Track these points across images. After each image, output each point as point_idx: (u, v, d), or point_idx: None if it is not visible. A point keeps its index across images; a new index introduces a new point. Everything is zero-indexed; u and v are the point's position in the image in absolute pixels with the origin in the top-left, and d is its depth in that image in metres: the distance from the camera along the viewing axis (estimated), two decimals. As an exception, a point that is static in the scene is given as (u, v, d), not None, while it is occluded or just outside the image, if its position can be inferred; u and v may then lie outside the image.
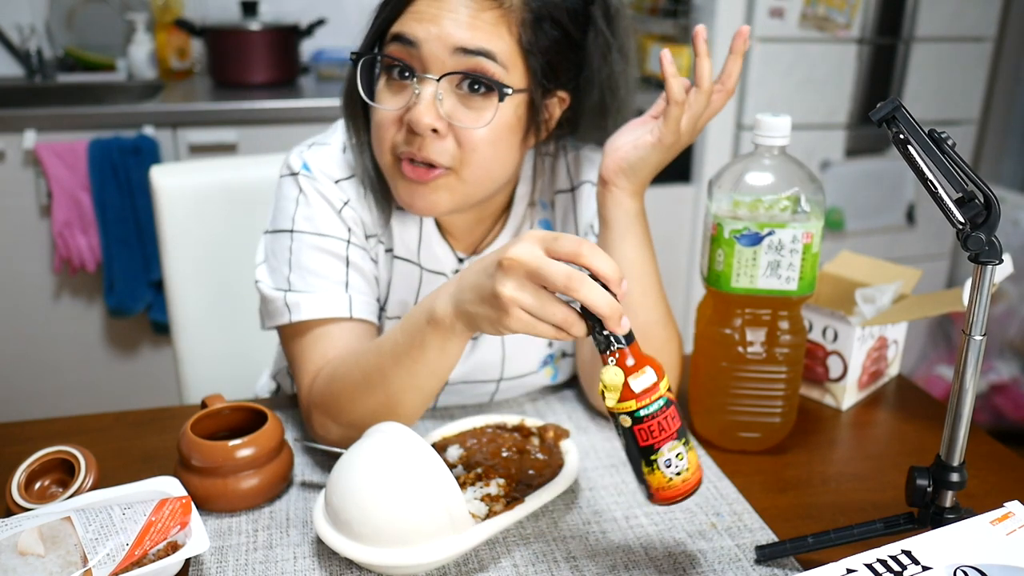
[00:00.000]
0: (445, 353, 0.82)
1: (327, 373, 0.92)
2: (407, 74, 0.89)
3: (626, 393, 0.71)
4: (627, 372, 0.71)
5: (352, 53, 0.92)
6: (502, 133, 0.91)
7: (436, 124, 0.87)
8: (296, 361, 0.97)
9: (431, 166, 0.90)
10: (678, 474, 0.73)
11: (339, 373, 0.90)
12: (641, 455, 0.73)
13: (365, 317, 0.97)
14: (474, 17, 0.87)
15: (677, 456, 0.72)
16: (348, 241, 0.97)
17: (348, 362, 0.90)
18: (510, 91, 0.89)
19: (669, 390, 0.73)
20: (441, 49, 0.87)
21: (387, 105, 0.90)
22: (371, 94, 0.93)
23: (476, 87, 0.88)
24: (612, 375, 0.71)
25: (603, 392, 0.72)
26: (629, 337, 0.72)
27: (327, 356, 0.94)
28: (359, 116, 0.97)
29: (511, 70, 0.89)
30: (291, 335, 0.98)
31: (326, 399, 0.91)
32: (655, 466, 0.73)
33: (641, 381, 0.71)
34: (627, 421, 0.72)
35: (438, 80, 0.88)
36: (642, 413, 0.71)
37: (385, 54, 0.90)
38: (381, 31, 0.92)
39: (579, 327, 0.72)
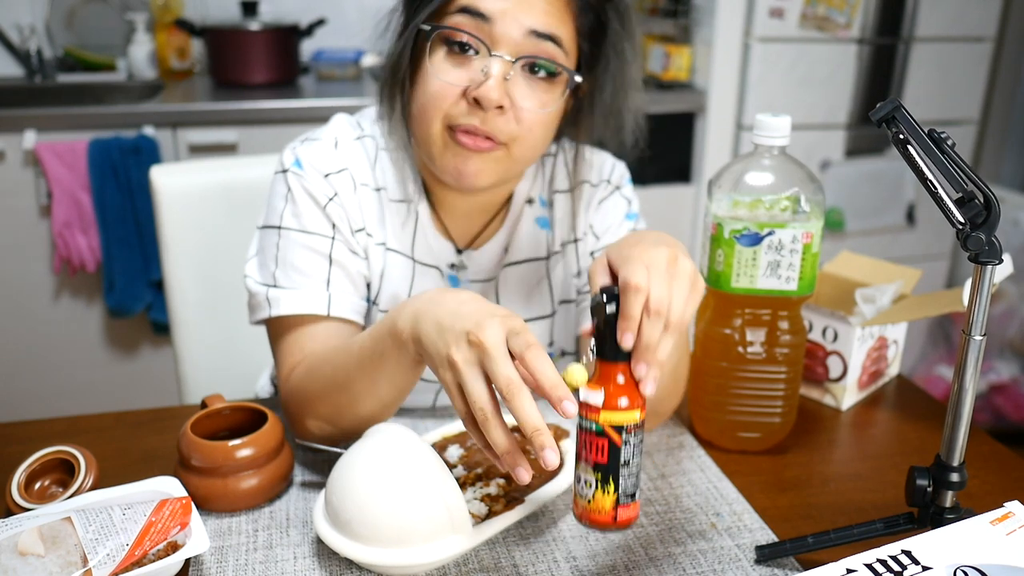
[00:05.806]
0: (401, 367, 0.82)
1: (305, 367, 0.93)
2: (473, 49, 0.90)
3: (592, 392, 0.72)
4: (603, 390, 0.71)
5: (422, 25, 0.92)
6: (554, 116, 0.95)
7: (503, 102, 0.89)
8: (275, 355, 1.00)
9: (489, 139, 0.92)
10: (583, 496, 0.74)
11: (314, 368, 0.92)
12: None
13: (344, 316, 0.98)
14: (546, 1, 0.89)
15: (585, 483, 0.73)
16: (332, 238, 0.98)
17: (323, 359, 0.92)
18: (579, 80, 0.93)
19: (618, 428, 0.71)
20: (515, 28, 0.88)
21: (449, 78, 0.90)
22: (413, 64, 0.94)
23: (537, 70, 0.91)
24: (578, 371, 0.70)
25: (564, 376, 0.70)
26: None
27: (304, 351, 0.95)
28: (398, 86, 0.98)
29: (569, 56, 0.93)
30: (272, 330, 1.00)
31: (300, 393, 0.93)
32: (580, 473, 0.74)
33: (598, 396, 0.71)
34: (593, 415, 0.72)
35: (514, 62, 0.89)
36: (583, 424, 0.72)
37: (456, 28, 0.90)
38: (443, 1, 0.92)
39: (480, 438, 0.70)
